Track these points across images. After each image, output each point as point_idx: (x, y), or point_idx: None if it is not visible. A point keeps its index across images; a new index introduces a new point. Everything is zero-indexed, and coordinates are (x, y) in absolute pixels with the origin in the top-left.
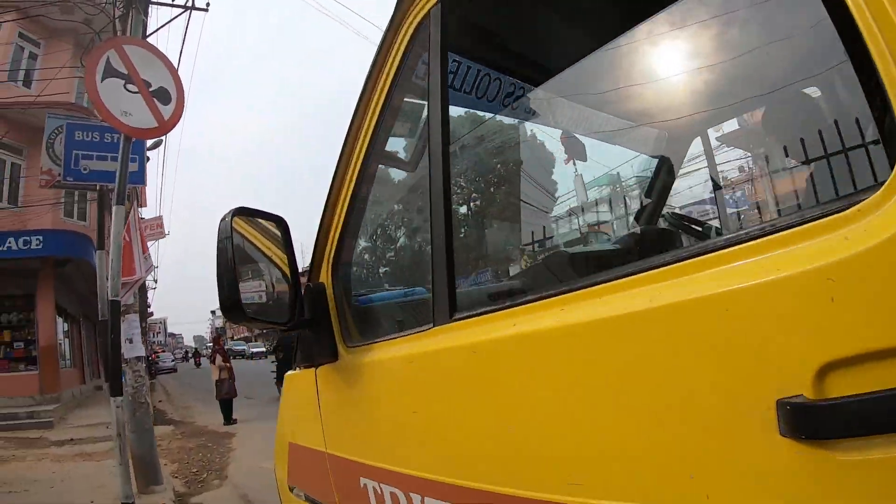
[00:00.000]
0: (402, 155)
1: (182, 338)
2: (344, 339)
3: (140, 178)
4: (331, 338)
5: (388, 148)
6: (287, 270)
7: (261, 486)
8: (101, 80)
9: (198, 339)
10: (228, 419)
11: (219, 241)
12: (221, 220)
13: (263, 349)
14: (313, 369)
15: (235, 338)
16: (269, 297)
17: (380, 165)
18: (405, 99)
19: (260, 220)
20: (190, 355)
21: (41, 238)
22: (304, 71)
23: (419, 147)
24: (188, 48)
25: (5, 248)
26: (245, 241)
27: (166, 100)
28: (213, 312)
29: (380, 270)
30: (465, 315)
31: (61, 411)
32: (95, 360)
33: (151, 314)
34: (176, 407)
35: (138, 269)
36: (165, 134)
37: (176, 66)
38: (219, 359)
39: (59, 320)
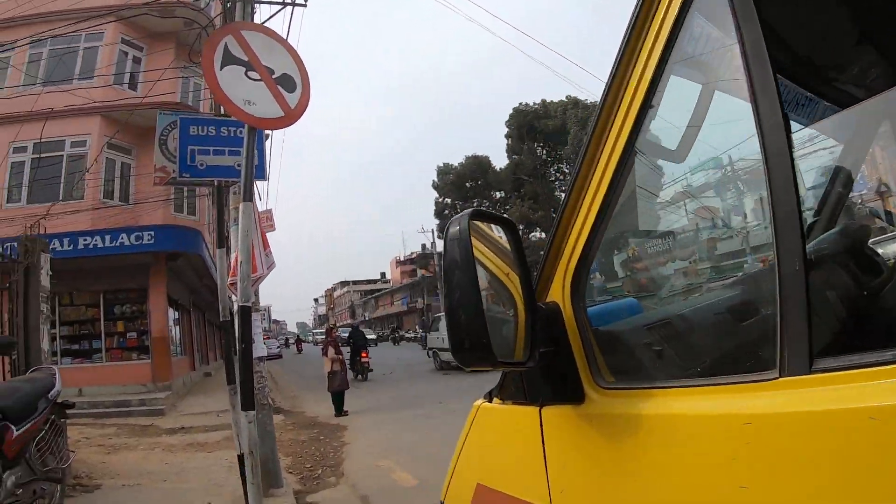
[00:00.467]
0: (664, 143)
1: (285, 324)
2: (592, 377)
3: (261, 172)
4: (572, 373)
5: (649, 136)
6: (519, 289)
7: (380, 489)
8: (220, 69)
9: (300, 325)
10: (339, 410)
11: (450, 256)
12: (451, 226)
13: (374, 336)
14: (535, 408)
15: (339, 325)
16: (491, 324)
17: (637, 156)
18: (678, 72)
19: (480, 225)
20: (291, 342)
21: (153, 233)
22: (404, 61)
23: (689, 134)
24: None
25: (118, 244)
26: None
27: (291, 87)
28: (315, 300)
29: (649, 287)
30: (837, 365)
31: (172, 399)
32: (204, 348)
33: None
34: (284, 395)
35: (259, 266)
36: (292, 124)
37: None
38: (331, 351)
39: (170, 311)
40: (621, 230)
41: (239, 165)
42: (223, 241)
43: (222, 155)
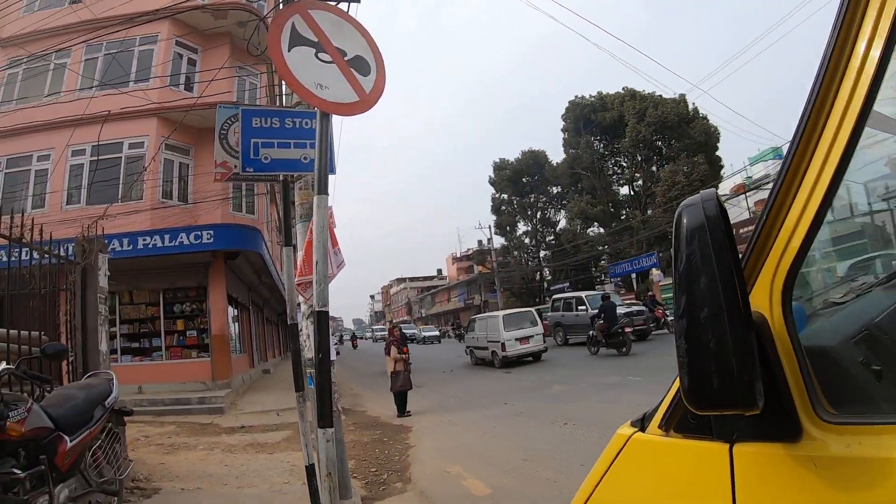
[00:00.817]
0: None
1: (342, 321)
2: (813, 408)
3: (331, 165)
4: (785, 403)
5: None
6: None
7: (450, 497)
8: (289, 50)
9: (357, 322)
10: (402, 411)
11: (691, 254)
12: (690, 211)
13: (437, 333)
14: (722, 444)
15: (415, 320)
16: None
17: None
18: None
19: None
20: (346, 338)
21: (212, 232)
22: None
23: None
24: None
25: (178, 244)
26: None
27: (365, 70)
28: (371, 297)
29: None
30: None
31: (231, 397)
32: (263, 345)
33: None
34: (343, 393)
35: (329, 265)
36: (368, 109)
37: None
38: (393, 350)
39: (229, 308)
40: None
41: (305, 158)
42: (290, 239)
43: (287, 148)
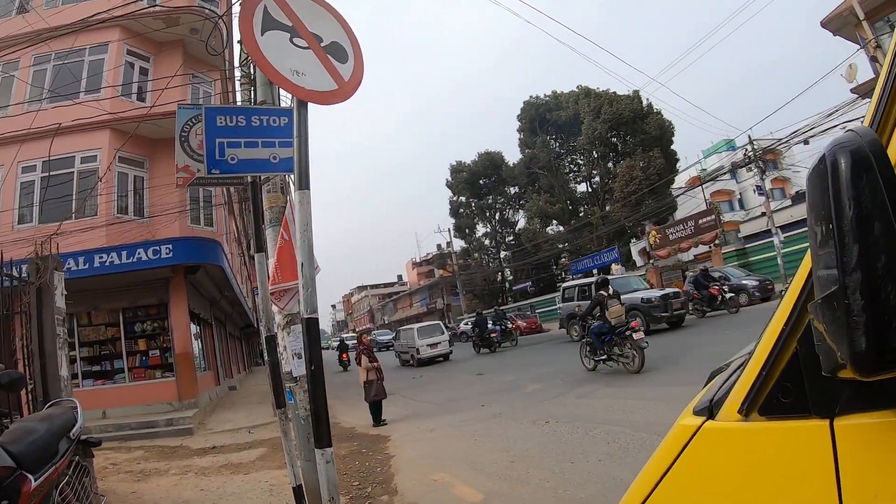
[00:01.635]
0: None
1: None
2: None
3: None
4: None
5: None
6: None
7: None
8: (261, 34)
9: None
10: (378, 420)
11: (858, 191)
12: (840, 149)
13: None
14: (821, 421)
15: (378, 327)
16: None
17: None
18: None
19: None
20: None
21: (170, 246)
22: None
23: None
24: None
25: (136, 260)
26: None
27: (342, 57)
28: (333, 307)
29: None
30: None
31: (200, 416)
32: (227, 361)
33: None
34: None
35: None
36: (347, 99)
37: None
38: (365, 360)
39: (192, 325)
40: None
41: (274, 158)
42: (261, 244)
43: (255, 147)
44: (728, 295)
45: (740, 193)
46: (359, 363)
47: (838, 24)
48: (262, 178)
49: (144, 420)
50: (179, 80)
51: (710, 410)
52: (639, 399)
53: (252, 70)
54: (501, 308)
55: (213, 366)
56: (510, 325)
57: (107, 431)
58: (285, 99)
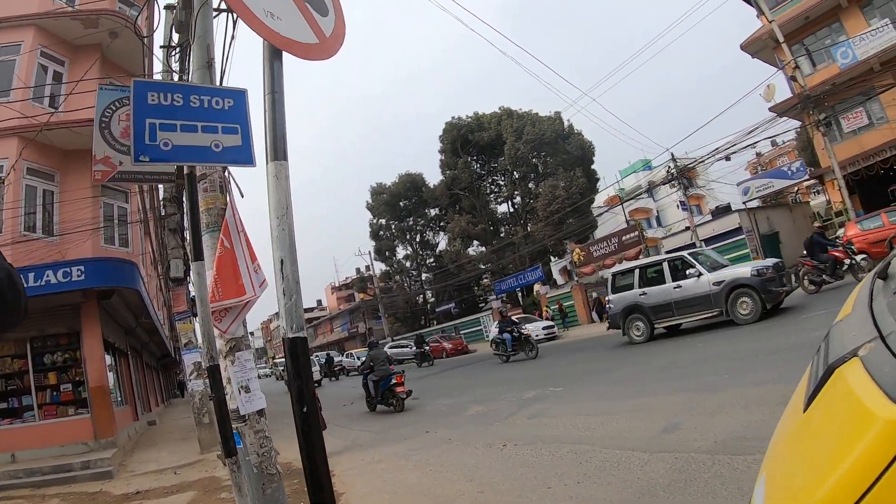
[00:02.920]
0: None
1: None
2: None
3: (247, 155)
4: None
5: None
6: None
7: None
8: None
9: None
10: None
11: None
12: None
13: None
14: None
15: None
16: None
17: None
18: None
19: None
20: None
21: (82, 268)
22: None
23: None
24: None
25: (44, 283)
26: None
27: (322, 10)
28: (251, 334)
29: None
30: None
31: (119, 457)
32: (145, 394)
33: None
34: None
35: (248, 285)
36: (329, 57)
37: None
38: None
39: (107, 356)
40: None
41: (217, 146)
42: (200, 253)
43: (194, 132)
44: (860, 257)
45: (657, 211)
46: None
47: (757, 47)
48: (199, 172)
49: (59, 463)
50: (95, 85)
51: None
52: (598, 415)
53: (186, 56)
54: (421, 332)
55: (130, 400)
56: (428, 349)
57: (17, 477)
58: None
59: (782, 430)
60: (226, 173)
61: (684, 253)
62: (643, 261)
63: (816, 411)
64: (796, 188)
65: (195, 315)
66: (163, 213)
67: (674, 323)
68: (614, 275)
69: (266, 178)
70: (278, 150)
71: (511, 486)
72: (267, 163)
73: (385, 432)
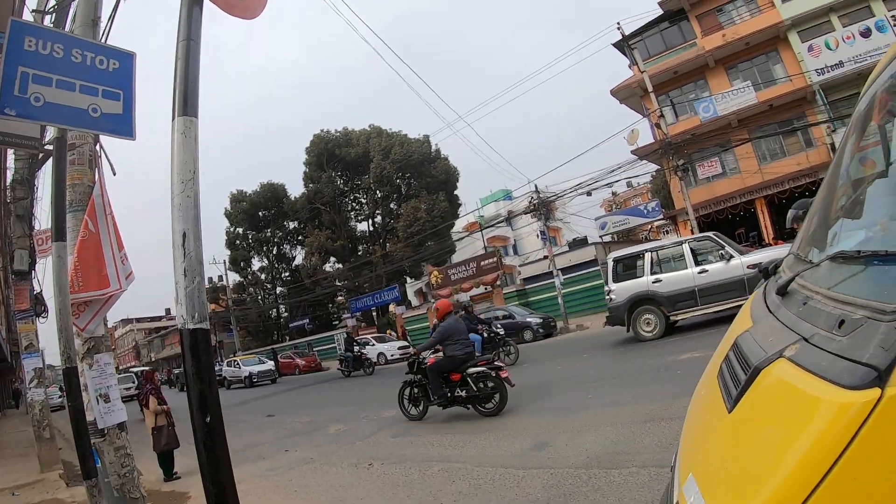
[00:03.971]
0: None
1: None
2: None
3: (127, 126)
4: None
5: None
6: None
7: None
8: None
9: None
10: (170, 474)
11: None
12: None
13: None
14: None
15: (145, 364)
16: None
17: None
18: None
19: None
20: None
21: None
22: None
23: None
24: None
25: None
26: None
27: None
28: None
29: None
30: None
31: None
32: None
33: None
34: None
35: (113, 277)
36: (251, 18)
37: None
38: (153, 402)
39: None
40: None
41: (95, 110)
42: (62, 232)
43: (71, 90)
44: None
45: (515, 240)
46: (146, 406)
47: (626, 94)
48: (69, 141)
49: None
50: None
51: (879, 381)
52: (463, 433)
53: (65, 16)
54: (274, 348)
55: None
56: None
57: None
58: None
59: (702, 431)
60: (97, 147)
61: (711, 234)
62: (653, 243)
63: (745, 410)
64: (648, 227)
65: (38, 315)
66: (9, 199)
67: (696, 315)
68: (616, 260)
69: (172, 135)
70: (189, 104)
71: None
72: (174, 118)
73: (240, 451)
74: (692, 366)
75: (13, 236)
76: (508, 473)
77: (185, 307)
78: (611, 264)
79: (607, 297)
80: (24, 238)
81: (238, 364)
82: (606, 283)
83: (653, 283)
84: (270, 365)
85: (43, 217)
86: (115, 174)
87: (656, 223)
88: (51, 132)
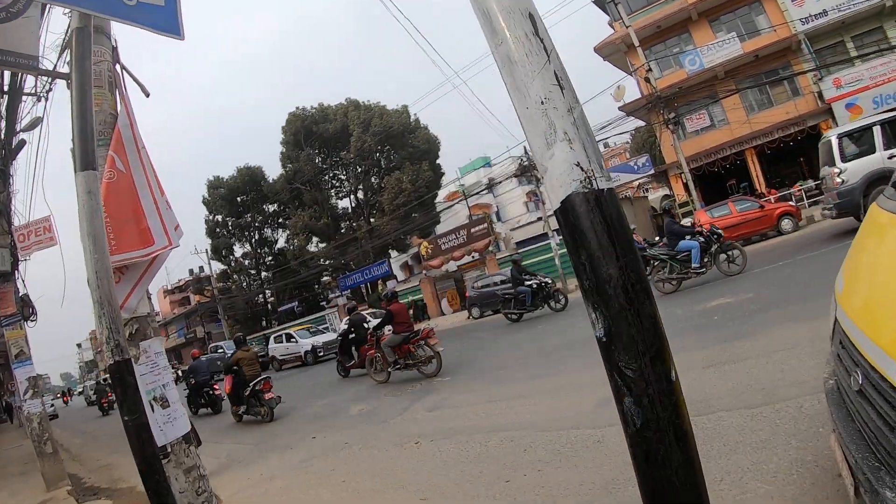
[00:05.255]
0: None
1: (49, 378)
2: None
3: (171, 20)
4: None
5: None
6: None
7: None
8: None
9: (65, 376)
10: None
11: None
12: None
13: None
14: None
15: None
16: None
17: None
18: None
19: None
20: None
21: None
22: None
23: None
24: None
25: None
26: None
27: None
28: (79, 345)
29: None
30: None
31: None
32: None
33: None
34: (89, 468)
35: (158, 231)
36: None
37: None
38: None
39: None
40: None
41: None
42: (90, 158)
43: None
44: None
45: (497, 207)
46: None
47: (610, 50)
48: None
49: None
50: None
51: None
52: (510, 399)
53: None
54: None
55: None
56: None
57: None
58: None
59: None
60: (117, 67)
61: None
62: (882, 115)
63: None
64: (637, 183)
65: (26, 318)
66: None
67: None
68: (842, 136)
69: None
70: None
71: (458, 488)
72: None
73: (262, 443)
74: (727, 310)
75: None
76: (584, 434)
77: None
78: (835, 142)
79: (836, 180)
80: (4, 235)
81: (293, 338)
82: (828, 165)
83: (888, 158)
84: (332, 333)
85: (26, 208)
86: (147, 95)
87: (640, 180)
88: (63, 62)
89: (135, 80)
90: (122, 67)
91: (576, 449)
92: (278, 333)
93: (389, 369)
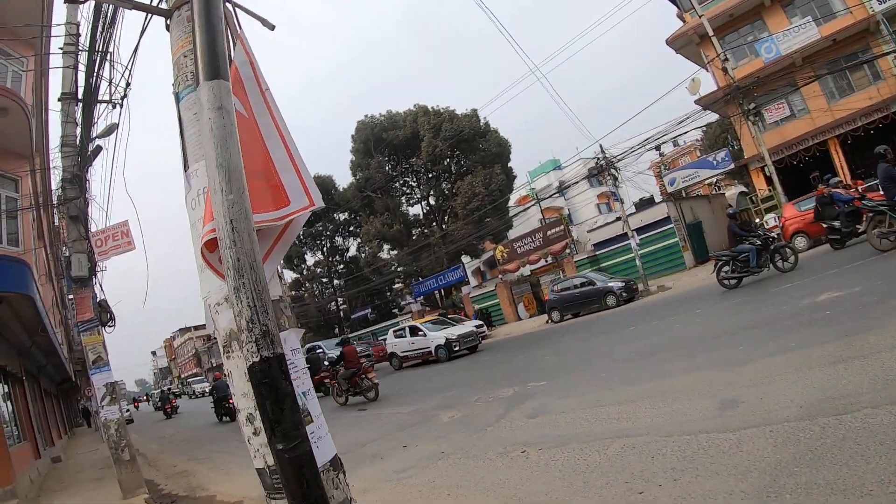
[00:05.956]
0: None
1: (124, 384)
2: None
3: None
4: None
5: None
6: None
7: None
8: None
9: (140, 382)
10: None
11: None
12: None
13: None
14: None
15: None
16: None
17: None
18: None
19: None
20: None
21: None
22: None
23: None
24: None
25: None
26: None
27: None
28: (153, 353)
29: None
30: None
31: None
32: (46, 426)
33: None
34: (166, 473)
35: (295, 189)
36: None
37: None
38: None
39: None
40: None
41: None
42: (216, 65)
43: None
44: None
45: (569, 210)
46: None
47: (682, 42)
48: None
49: None
50: None
51: None
52: (619, 403)
53: None
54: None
55: (29, 434)
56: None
57: None
58: None
59: None
60: (228, 4)
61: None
62: None
63: None
64: (716, 180)
65: (103, 324)
66: (56, 201)
67: None
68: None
69: None
70: None
71: (586, 501)
72: None
73: (351, 452)
74: (838, 304)
75: (68, 240)
76: (716, 439)
77: None
78: None
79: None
80: (81, 241)
81: (419, 331)
82: None
83: None
84: (470, 324)
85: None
86: (272, 28)
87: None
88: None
89: (252, 14)
90: (235, 5)
91: (711, 455)
92: (400, 327)
93: (346, 395)
